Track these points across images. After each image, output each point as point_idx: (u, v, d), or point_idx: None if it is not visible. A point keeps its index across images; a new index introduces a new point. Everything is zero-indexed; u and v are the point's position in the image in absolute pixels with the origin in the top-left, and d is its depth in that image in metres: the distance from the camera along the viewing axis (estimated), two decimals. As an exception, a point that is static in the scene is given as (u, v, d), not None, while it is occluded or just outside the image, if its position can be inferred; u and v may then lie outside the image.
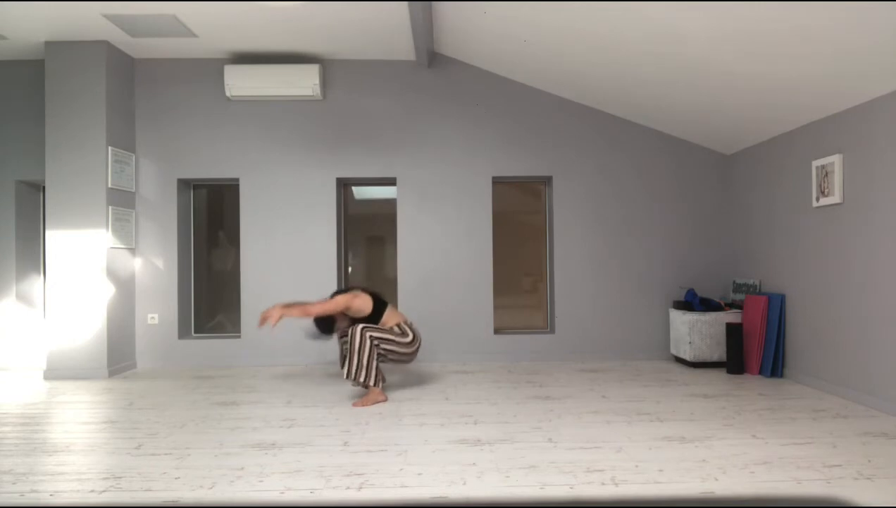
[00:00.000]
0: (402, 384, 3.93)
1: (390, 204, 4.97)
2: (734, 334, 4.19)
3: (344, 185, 5.02)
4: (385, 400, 3.47)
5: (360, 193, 5.19)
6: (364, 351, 3.39)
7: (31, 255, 4.87)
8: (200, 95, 4.75)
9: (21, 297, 4.80)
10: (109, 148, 4.33)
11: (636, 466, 2.35)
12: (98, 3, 3.69)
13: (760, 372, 4.12)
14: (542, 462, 2.40)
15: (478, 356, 4.79)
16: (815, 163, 3.65)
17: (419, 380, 4.07)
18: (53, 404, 3.54)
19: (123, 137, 4.55)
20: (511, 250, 5.07)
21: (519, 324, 5.10)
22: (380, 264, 5.17)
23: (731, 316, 4.38)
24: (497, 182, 4.96)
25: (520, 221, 5.11)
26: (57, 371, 4.27)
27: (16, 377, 4.38)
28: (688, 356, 4.39)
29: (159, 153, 4.74)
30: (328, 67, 4.78)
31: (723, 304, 4.50)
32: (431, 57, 4.73)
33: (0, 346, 4.75)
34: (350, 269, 5.13)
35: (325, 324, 3.54)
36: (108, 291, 4.36)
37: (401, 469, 2.34)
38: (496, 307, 4.91)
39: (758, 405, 3.31)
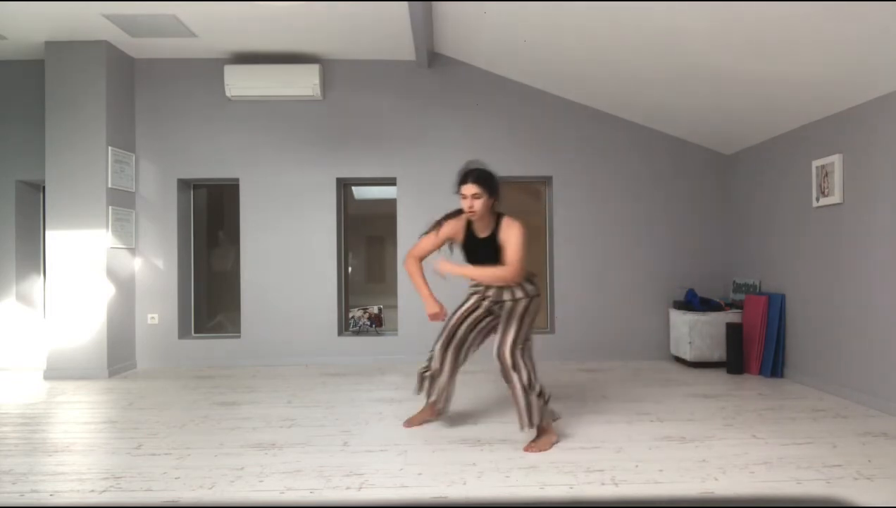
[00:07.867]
0: (402, 385, 3.92)
1: (390, 204, 4.97)
2: (734, 334, 4.19)
3: (344, 185, 5.01)
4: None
5: (360, 193, 5.19)
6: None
7: (31, 255, 4.86)
8: (200, 95, 4.74)
9: (21, 297, 4.80)
10: (109, 148, 4.33)
11: (636, 466, 2.35)
12: (98, 3, 3.69)
13: (760, 372, 4.12)
14: (542, 462, 2.40)
15: (477, 355, 4.77)
16: (815, 163, 3.65)
17: (419, 380, 4.07)
18: (53, 404, 3.53)
19: (123, 137, 4.55)
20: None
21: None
22: (380, 264, 5.17)
23: (731, 316, 4.37)
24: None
25: (520, 221, 5.10)
26: (57, 371, 4.26)
27: (16, 377, 4.38)
28: (688, 356, 4.38)
29: (159, 153, 4.74)
30: (328, 67, 4.77)
31: (723, 304, 4.50)
32: (431, 57, 4.73)
33: (0, 346, 4.76)
34: (350, 269, 5.12)
35: None
36: (108, 291, 4.36)
37: (401, 469, 2.34)
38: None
39: (758, 405, 3.31)
